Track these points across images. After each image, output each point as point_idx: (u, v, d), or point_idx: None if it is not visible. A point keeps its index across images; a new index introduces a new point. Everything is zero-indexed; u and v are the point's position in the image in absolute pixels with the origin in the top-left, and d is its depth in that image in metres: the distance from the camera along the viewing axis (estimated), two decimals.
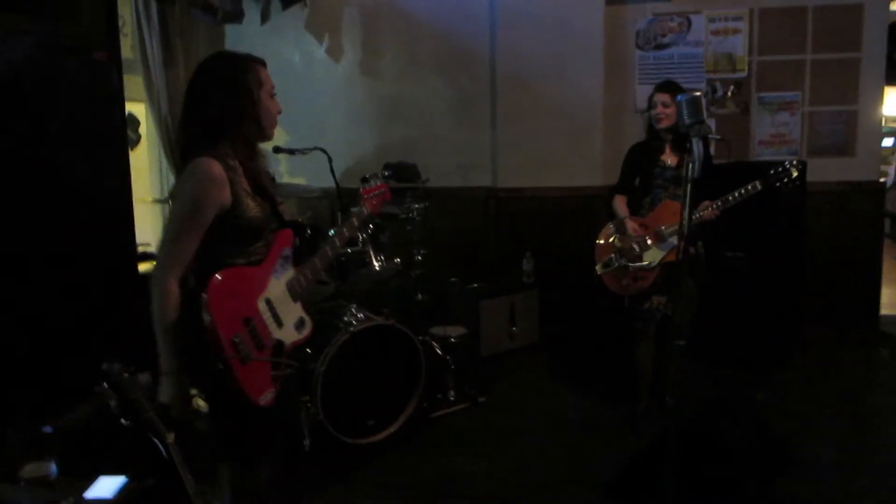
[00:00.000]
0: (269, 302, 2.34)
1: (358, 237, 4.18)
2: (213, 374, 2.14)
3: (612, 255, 4.05)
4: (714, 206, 3.78)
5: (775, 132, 5.49)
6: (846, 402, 4.32)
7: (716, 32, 5.45)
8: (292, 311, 2.45)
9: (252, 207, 2.29)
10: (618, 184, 4.23)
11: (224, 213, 2.19)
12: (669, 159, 4.01)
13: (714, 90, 5.50)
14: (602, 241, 4.16)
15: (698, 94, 2.55)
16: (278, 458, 2.48)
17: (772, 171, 3.77)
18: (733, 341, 4.83)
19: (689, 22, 5.47)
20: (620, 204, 4.14)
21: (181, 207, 2.16)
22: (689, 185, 2.58)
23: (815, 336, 5.28)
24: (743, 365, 4.77)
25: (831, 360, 5.05)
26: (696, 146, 2.52)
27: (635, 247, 3.99)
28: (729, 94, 5.48)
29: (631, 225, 3.97)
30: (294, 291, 2.46)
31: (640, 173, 4.10)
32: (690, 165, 2.55)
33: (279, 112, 2.43)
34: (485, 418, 4.24)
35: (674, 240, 3.85)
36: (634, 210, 4.09)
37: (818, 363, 4.97)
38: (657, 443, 3.27)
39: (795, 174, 3.75)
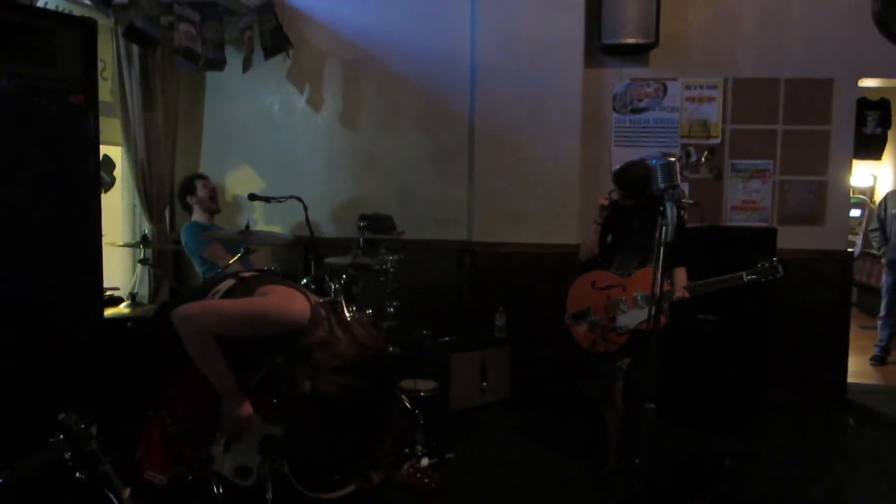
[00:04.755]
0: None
1: (331, 287, 4.15)
2: (136, 413, 2.23)
3: (587, 309, 4.06)
4: (689, 287, 3.83)
5: (747, 198, 5.59)
6: (813, 468, 4.31)
7: (691, 99, 5.58)
8: (245, 455, 2.47)
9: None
10: None
11: None
12: (641, 221, 4.06)
13: (688, 155, 5.59)
14: (577, 292, 4.17)
15: (672, 159, 2.60)
16: None
17: (759, 265, 3.83)
18: (701, 403, 4.83)
19: (665, 88, 5.59)
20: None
21: (267, 309, 2.33)
22: (661, 248, 2.62)
23: (783, 401, 5.30)
24: (710, 427, 4.76)
25: (798, 426, 5.05)
26: (670, 210, 2.56)
27: (611, 308, 4.00)
28: (703, 159, 5.58)
29: (603, 276, 3.99)
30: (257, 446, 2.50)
31: (613, 231, 4.15)
32: (664, 228, 2.58)
33: None
34: (452, 475, 4.16)
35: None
36: (605, 267, 4.12)
37: (785, 429, 4.97)
38: None
39: (781, 273, 3.82)
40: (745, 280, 3.78)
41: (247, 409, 2.36)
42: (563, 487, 4.02)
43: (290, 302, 2.33)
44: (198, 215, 5.12)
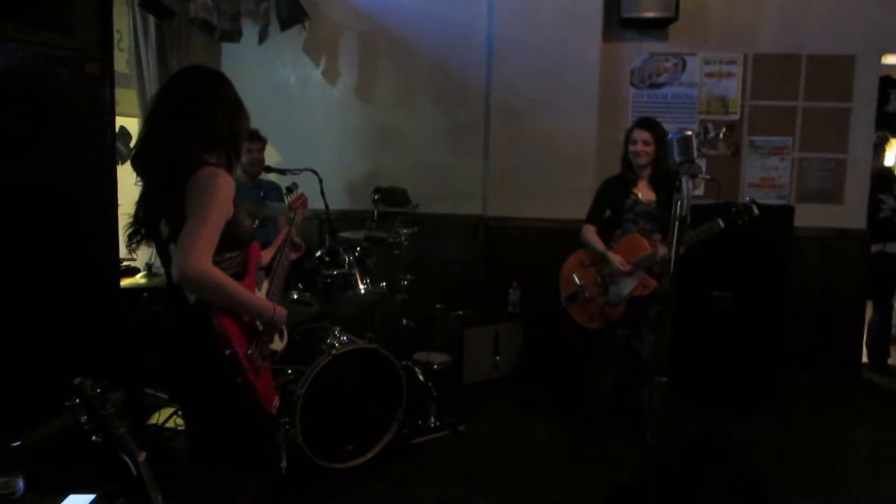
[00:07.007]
0: None
1: (345, 259, 4.17)
2: (232, 387, 2.18)
3: (577, 289, 4.10)
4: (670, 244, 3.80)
5: (765, 175, 5.54)
6: (827, 447, 4.31)
7: (710, 75, 5.52)
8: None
9: (245, 217, 2.31)
10: (588, 214, 4.28)
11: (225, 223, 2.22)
12: (642, 193, 4.07)
13: (706, 131, 5.55)
14: (567, 272, 4.21)
15: (689, 133, 2.58)
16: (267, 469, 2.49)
17: (733, 209, 3.82)
18: (716, 380, 4.83)
19: (684, 63, 5.53)
20: (592, 235, 4.18)
21: (212, 201, 2.14)
22: (677, 223, 2.60)
23: (798, 379, 5.28)
24: (725, 404, 4.76)
25: (814, 404, 5.04)
26: (686, 184, 2.54)
27: (599, 281, 4.04)
28: (721, 135, 5.53)
29: (617, 259, 3.98)
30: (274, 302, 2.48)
31: (612, 206, 4.16)
32: (679, 203, 2.56)
33: None
34: (465, 447, 4.20)
35: (638, 275, 3.90)
36: (605, 241, 4.13)
37: (800, 407, 4.96)
38: (638, 480, 3.25)
39: (756, 212, 3.79)
40: (722, 227, 3.77)
41: (282, 311, 2.37)
42: (574, 461, 4.04)
43: (220, 177, 2.20)
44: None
